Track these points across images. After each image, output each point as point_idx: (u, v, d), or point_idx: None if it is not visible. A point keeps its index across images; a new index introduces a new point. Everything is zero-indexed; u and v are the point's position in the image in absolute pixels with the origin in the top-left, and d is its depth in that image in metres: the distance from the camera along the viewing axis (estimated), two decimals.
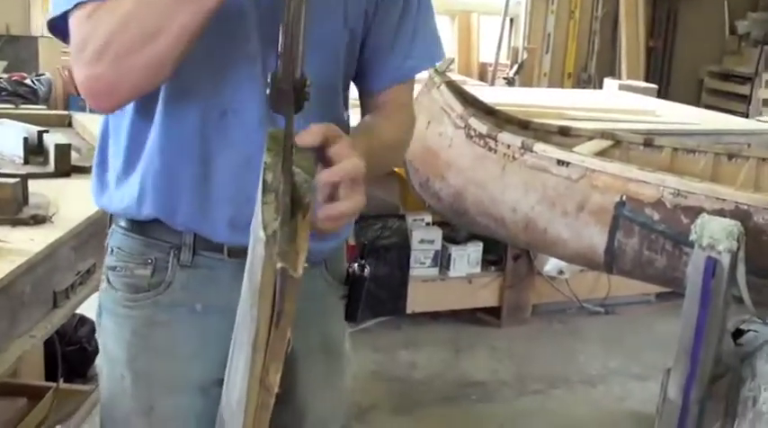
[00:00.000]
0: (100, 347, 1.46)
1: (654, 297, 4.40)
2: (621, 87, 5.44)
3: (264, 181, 1.08)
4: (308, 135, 1.11)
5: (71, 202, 2.02)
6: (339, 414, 1.55)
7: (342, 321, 1.50)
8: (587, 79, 7.00)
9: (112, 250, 1.41)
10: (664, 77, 7.38)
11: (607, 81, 5.85)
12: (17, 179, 1.92)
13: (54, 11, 1.22)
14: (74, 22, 1.19)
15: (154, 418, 1.39)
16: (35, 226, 1.85)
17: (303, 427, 1.46)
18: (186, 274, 1.37)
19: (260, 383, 1.16)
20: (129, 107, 1.30)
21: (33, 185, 1.99)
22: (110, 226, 1.44)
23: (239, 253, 1.34)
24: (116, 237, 1.41)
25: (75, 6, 1.18)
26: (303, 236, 1.10)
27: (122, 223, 1.40)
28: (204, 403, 1.40)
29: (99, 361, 1.47)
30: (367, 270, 1.49)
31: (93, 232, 2.01)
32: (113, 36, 1.15)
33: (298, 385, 1.42)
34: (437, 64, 1.45)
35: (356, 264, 1.49)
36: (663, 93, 6.45)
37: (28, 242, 1.75)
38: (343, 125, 1.39)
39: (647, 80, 6.77)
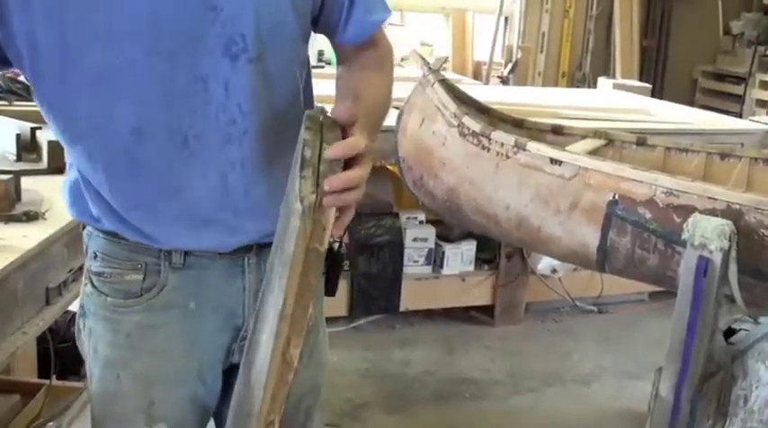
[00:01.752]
0: (88, 350, 1.45)
1: (647, 296, 4.41)
2: (616, 86, 5.44)
3: (303, 156, 1.12)
4: (344, 114, 1.16)
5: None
6: (317, 389, 1.58)
7: (321, 297, 1.53)
8: (582, 78, 7.00)
9: (96, 255, 1.40)
10: (658, 77, 7.39)
11: (601, 80, 5.84)
12: (10, 176, 1.93)
13: None
14: None
15: (154, 411, 1.41)
16: (28, 222, 1.85)
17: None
18: (178, 275, 1.38)
19: (282, 356, 1.21)
20: (93, 139, 1.28)
21: (26, 182, 2.00)
22: (84, 227, 1.43)
23: (229, 252, 1.38)
24: (97, 241, 1.40)
25: None
26: (329, 210, 1.15)
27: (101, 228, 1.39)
28: (202, 390, 1.44)
29: (88, 364, 1.46)
30: (343, 248, 1.54)
31: None
32: None
33: None
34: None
35: (335, 243, 1.51)
36: (657, 93, 6.46)
37: (21, 238, 1.76)
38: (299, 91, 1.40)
39: (641, 79, 6.77)
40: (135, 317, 1.39)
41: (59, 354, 2.80)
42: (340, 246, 1.52)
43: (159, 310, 1.39)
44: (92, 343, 1.44)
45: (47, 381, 2.50)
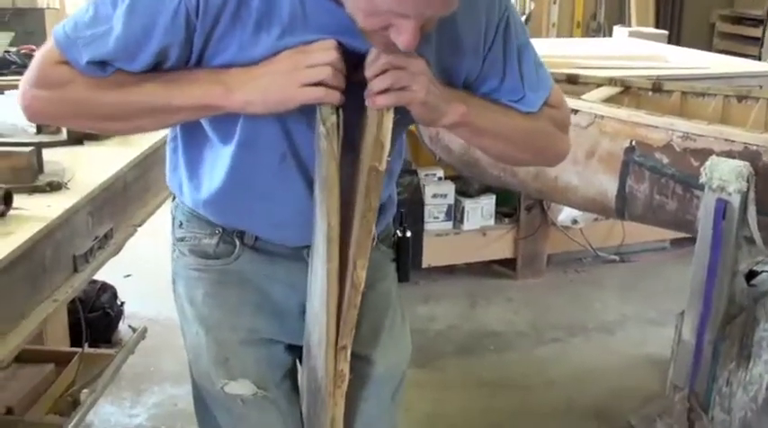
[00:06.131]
0: (178, 314, 1.56)
1: (668, 243, 4.41)
2: (632, 34, 5.37)
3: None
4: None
5: (85, 169, 2.05)
6: (404, 364, 1.63)
7: (396, 282, 1.62)
8: (597, 28, 6.93)
9: (181, 223, 1.51)
10: (674, 23, 7.29)
11: (617, 29, 5.77)
12: (31, 148, 1.95)
13: (63, 34, 1.24)
14: (57, 58, 1.24)
15: (231, 367, 1.49)
16: (51, 193, 1.88)
17: (372, 374, 1.55)
18: (251, 253, 1.46)
19: (349, 279, 1.30)
20: (208, 136, 1.38)
21: (47, 154, 2.02)
22: (174, 198, 1.53)
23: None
24: (182, 212, 1.50)
25: (72, 58, 1.23)
26: (386, 126, 1.22)
27: (188, 202, 1.48)
28: (274, 354, 1.51)
29: (181, 325, 1.57)
30: (408, 232, 1.62)
31: (108, 197, 2.04)
32: (78, 106, 1.27)
33: (367, 341, 1.52)
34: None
35: (398, 230, 1.61)
36: (674, 39, 6.38)
37: (45, 208, 1.79)
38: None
39: (657, 26, 6.69)
40: (212, 276, 1.48)
41: (90, 324, 2.86)
42: (404, 232, 1.61)
43: (234, 273, 1.47)
44: (179, 304, 1.54)
45: (79, 350, 2.55)
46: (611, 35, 5.94)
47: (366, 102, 1.23)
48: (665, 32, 5.68)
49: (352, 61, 1.23)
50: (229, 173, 1.37)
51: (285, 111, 1.24)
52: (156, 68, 1.24)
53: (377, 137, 1.22)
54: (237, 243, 1.46)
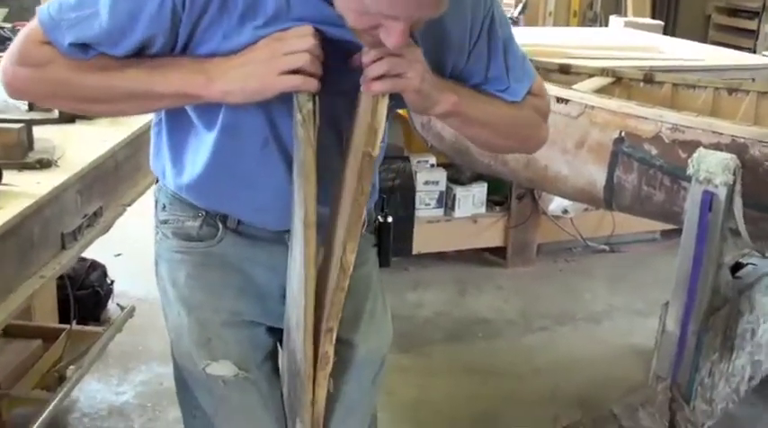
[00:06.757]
0: (160, 295, 1.57)
1: (658, 234, 4.43)
2: (627, 25, 5.37)
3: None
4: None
5: (76, 147, 2.06)
6: (384, 348, 1.64)
7: (377, 267, 1.64)
8: (593, 17, 6.91)
9: (164, 206, 1.51)
10: (670, 14, 7.29)
11: (613, 19, 5.77)
12: (22, 124, 1.96)
13: (47, 14, 1.23)
14: (40, 38, 1.24)
15: (213, 348, 1.50)
16: (41, 170, 1.89)
17: (353, 358, 1.56)
18: (234, 236, 1.48)
19: (338, 262, 1.32)
20: (192, 122, 1.38)
21: (38, 131, 2.03)
22: (157, 181, 1.54)
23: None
24: (165, 195, 1.51)
25: (55, 39, 1.23)
26: (381, 112, 1.23)
27: (171, 185, 1.49)
28: (255, 336, 1.52)
29: (162, 306, 1.58)
30: (389, 218, 1.65)
31: (98, 176, 2.05)
32: (58, 86, 1.27)
33: (348, 325, 1.52)
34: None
35: (380, 216, 1.63)
36: (669, 30, 6.38)
37: (35, 185, 1.80)
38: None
39: (653, 17, 6.68)
40: (195, 258, 1.49)
41: (78, 300, 2.87)
42: (386, 217, 1.63)
43: (216, 256, 1.48)
44: (162, 286, 1.55)
45: (67, 326, 2.56)
46: (607, 25, 5.93)
47: (361, 88, 1.23)
48: (661, 23, 5.68)
49: (336, 50, 1.24)
50: (212, 159, 1.37)
51: (265, 99, 1.25)
52: (140, 53, 1.25)
53: (371, 123, 1.23)
54: (220, 226, 1.47)
